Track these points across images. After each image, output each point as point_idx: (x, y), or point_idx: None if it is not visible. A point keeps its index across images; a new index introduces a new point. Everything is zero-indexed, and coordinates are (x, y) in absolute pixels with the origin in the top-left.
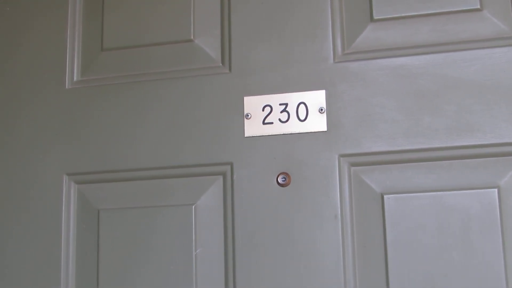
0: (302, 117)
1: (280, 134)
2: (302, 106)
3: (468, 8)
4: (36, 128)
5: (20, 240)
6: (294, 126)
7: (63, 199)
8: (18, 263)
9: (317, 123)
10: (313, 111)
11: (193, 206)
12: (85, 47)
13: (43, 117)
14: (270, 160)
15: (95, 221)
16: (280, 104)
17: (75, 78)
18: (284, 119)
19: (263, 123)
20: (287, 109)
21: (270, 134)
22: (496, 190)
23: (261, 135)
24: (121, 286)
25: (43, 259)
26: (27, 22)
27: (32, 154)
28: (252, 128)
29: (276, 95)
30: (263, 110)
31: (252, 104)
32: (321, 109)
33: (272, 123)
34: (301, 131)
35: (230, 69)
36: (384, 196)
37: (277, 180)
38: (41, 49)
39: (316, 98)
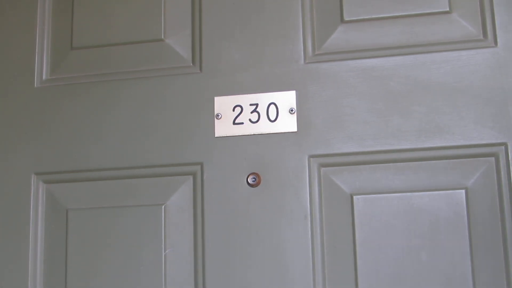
0: (272, 117)
1: (250, 135)
2: (272, 106)
3: (438, 10)
4: (4, 127)
5: None
6: (264, 127)
7: (31, 199)
8: None
9: (288, 123)
10: (283, 111)
11: (163, 206)
12: (55, 45)
13: (12, 116)
14: (240, 160)
15: (64, 221)
16: (251, 105)
17: (44, 77)
18: (254, 119)
19: (234, 123)
20: (257, 109)
21: (241, 134)
22: (464, 191)
23: (231, 135)
24: (90, 286)
25: (11, 259)
26: None
27: (0, 153)
28: (223, 128)
29: (246, 95)
30: (233, 110)
31: (223, 104)
32: (292, 110)
33: (242, 123)
34: (271, 132)
35: (200, 69)
36: (354, 196)
37: (247, 180)
38: (10, 47)
39: (287, 99)
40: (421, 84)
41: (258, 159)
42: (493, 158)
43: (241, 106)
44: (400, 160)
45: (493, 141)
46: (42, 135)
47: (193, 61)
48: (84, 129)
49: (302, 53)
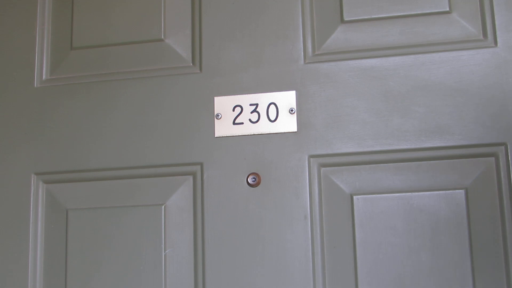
0: (272, 117)
1: (250, 135)
2: (272, 106)
3: (437, 10)
4: (4, 127)
5: None
6: (264, 127)
7: (31, 199)
8: None
9: (287, 123)
10: (283, 111)
11: (163, 206)
12: (54, 45)
13: (12, 115)
14: (240, 161)
15: (64, 221)
16: (251, 105)
17: (44, 77)
18: (254, 119)
19: (234, 123)
20: (257, 109)
21: (241, 134)
22: (463, 191)
23: (231, 135)
24: (90, 287)
25: (11, 259)
26: None
27: (0, 153)
28: (223, 128)
29: (246, 95)
30: (233, 110)
31: (223, 104)
32: (292, 110)
33: (242, 123)
34: (271, 132)
35: (200, 69)
36: (354, 196)
37: (247, 180)
38: (10, 47)
39: (287, 99)
40: (421, 84)
41: (258, 159)
42: (493, 158)
43: (241, 106)
44: (400, 160)
45: (493, 141)
46: (42, 135)
47: (193, 61)
48: (84, 129)
49: (302, 53)
